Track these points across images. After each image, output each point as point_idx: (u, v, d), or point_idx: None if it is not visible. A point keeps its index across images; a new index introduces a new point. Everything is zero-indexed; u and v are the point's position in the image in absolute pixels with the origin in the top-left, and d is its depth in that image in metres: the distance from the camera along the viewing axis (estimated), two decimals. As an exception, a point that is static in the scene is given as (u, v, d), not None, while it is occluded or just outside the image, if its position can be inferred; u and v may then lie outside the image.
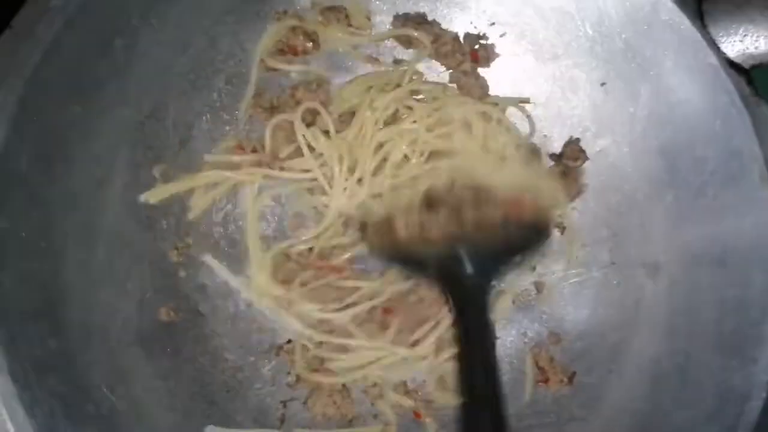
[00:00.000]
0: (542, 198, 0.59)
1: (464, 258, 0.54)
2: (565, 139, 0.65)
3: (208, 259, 0.61)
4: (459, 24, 0.64)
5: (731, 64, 0.57)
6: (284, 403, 0.60)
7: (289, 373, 0.61)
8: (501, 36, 0.65)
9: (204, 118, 0.62)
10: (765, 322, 0.54)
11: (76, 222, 0.55)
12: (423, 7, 0.64)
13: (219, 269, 0.61)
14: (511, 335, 0.64)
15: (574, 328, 0.63)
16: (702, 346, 0.57)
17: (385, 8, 0.64)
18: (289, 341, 0.61)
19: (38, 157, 0.52)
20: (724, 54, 0.58)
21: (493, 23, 0.64)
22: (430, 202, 0.58)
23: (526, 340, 0.64)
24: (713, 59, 0.57)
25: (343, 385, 0.61)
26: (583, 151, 0.64)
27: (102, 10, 0.54)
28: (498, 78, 0.65)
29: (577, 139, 0.64)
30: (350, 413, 0.61)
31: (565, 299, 0.64)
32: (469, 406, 0.49)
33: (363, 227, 0.60)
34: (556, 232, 0.64)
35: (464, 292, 0.54)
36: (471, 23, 0.64)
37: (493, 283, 0.56)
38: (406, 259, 0.57)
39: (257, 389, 0.60)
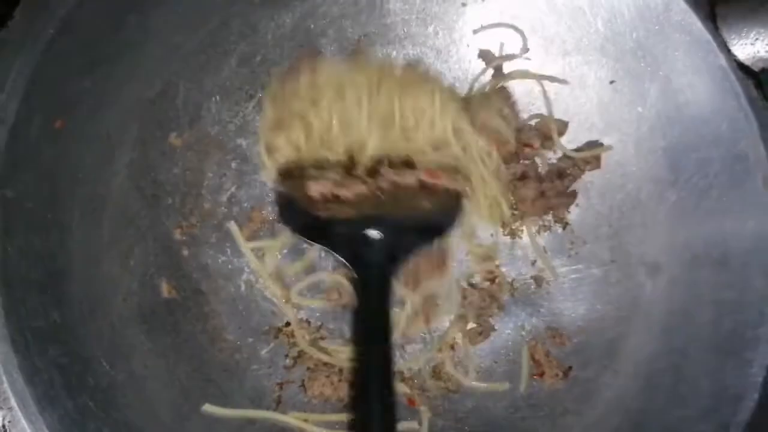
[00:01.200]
0: (458, 180, 0.58)
1: (372, 226, 0.54)
2: (572, 135, 0.65)
3: (232, 226, 0.61)
4: (470, 18, 0.65)
5: (741, 67, 0.57)
6: (281, 385, 0.61)
7: (287, 355, 0.61)
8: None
9: (214, 99, 0.63)
10: (762, 324, 0.55)
11: (83, 196, 0.55)
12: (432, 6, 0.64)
13: (239, 238, 0.61)
14: (508, 328, 0.64)
15: (571, 323, 0.63)
16: (698, 346, 0.57)
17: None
18: (288, 324, 0.62)
19: (48, 130, 0.52)
20: (735, 56, 0.58)
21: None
22: (349, 164, 0.57)
23: (523, 333, 0.64)
24: (723, 61, 0.58)
25: (339, 369, 0.61)
26: (598, 159, 0.64)
27: (117, -16, 0.54)
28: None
29: (600, 145, 0.64)
30: (345, 397, 0.61)
31: (564, 294, 0.64)
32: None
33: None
34: (557, 228, 0.65)
35: (368, 264, 0.54)
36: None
37: (398, 256, 0.56)
38: (314, 222, 0.56)
39: (254, 370, 0.61)
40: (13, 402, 0.47)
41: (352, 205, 0.55)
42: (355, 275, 0.54)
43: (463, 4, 0.64)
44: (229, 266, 0.62)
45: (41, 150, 0.52)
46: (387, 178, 0.56)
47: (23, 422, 0.47)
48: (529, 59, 0.65)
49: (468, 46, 0.65)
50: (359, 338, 0.51)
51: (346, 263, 0.55)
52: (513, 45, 0.65)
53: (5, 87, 0.50)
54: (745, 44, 0.58)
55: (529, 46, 0.65)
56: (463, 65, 0.65)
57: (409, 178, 0.56)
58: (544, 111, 0.65)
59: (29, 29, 0.51)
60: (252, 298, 0.62)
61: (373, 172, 0.57)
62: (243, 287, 0.62)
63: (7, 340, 0.47)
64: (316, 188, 0.56)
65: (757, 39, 0.58)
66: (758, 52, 0.58)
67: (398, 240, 0.55)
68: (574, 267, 0.64)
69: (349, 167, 0.58)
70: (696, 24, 0.58)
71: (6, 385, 0.46)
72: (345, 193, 0.55)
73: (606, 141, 0.64)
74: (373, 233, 0.55)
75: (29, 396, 0.47)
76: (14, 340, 0.47)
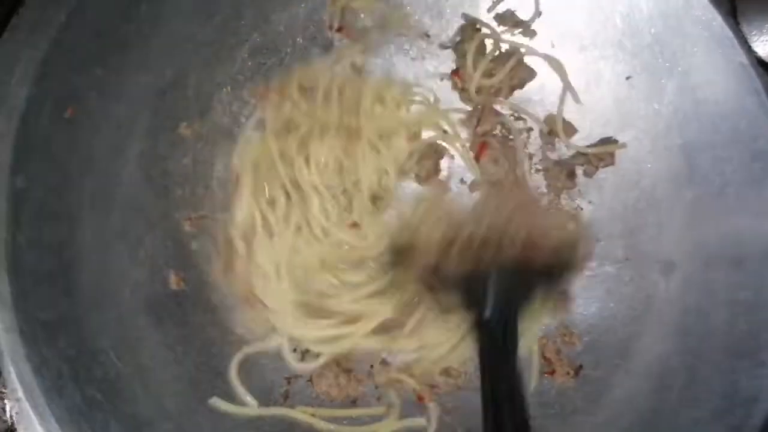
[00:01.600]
0: (562, 239, 0.58)
1: (488, 295, 0.54)
2: (587, 131, 0.64)
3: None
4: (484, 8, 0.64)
5: (761, 64, 0.57)
6: (288, 380, 0.60)
7: (295, 349, 0.61)
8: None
9: (225, 89, 0.62)
10: None
11: (93, 186, 0.55)
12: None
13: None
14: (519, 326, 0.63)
15: (583, 321, 0.63)
16: (712, 347, 0.57)
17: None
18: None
19: (59, 119, 0.52)
20: (756, 53, 0.57)
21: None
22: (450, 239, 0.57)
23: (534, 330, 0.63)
24: (743, 58, 0.57)
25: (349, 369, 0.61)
26: (612, 155, 0.63)
27: (129, -27, 0.54)
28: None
29: (615, 141, 0.63)
30: (354, 394, 0.61)
31: (576, 292, 0.63)
32: None
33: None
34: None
35: (484, 332, 0.53)
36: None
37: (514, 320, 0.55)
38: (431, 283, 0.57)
39: (263, 364, 0.60)
40: (20, 393, 0.46)
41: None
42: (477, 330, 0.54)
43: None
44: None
45: (52, 139, 0.52)
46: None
47: (31, 414, 0.47)
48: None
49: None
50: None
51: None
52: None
53: (15, 74, 0.50)
54: (766, 40, 0.57)
55: (544, 41, 0.64)
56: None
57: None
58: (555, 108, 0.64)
59: (40, 17, 0.50)
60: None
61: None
62: (252, 280, 0.62)
63: (15, 331, 0.47)
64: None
65: (778, 35, 0.57)
66: None
67: (514, 284, 0.55)
68: (586, 265, 0.63)
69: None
70: (716, 19, 0.57)
71: (14, 376, 0.46)
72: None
73: (621, 137, 0.64)
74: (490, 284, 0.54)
75: (37, 387, 0.47)
76: (22, 331, 0.47)
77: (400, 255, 0.59)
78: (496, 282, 0.54)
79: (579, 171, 0.65)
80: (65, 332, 0.50)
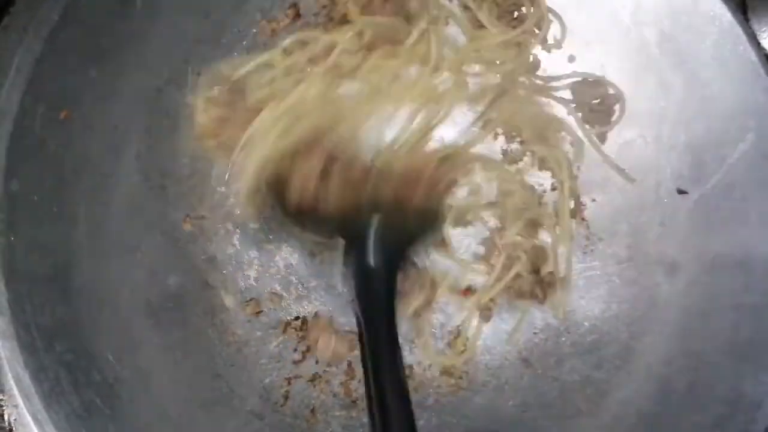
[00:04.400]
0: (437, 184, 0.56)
1: (369, 237, 0.51)
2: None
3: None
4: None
5: None
6: (289, 381, 0.60)
7: (295, 349, 0.61)
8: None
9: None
10: None
11: (90, 188, 0.55)
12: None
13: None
14: (520, 326, 0.63)
15: (585, 321, 0.62)
16: (715, 350, 0.56)
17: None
18: (297, 318, 0.61)
19: (53, 120, 0.52)
20: (765, 50, 0.56)
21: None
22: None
23: (535, 330, 0.63)
24: (753, 55, 0.56)
25: (349, 364, 0.61)
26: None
27: (123, -30, 0.53)
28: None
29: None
30: (353, 393, 0.61)
31: (579, 292, 0.63)
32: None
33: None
34: (572, 224, 0.63)
35: (367, 284, 0.51)
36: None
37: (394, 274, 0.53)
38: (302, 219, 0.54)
39: (263, 365, 0.60)
40: (19, 400, 0.47)
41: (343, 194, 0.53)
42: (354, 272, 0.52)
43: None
44: (238, 259, 0.62)
45: (46, 141, 0.51)
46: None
47: (29, 420, 0.47)
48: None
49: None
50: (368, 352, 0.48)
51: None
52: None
53: (8, 76, 0.49)
54: None
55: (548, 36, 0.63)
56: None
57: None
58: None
59: (32, 16, 0.50)
60: (261, 291, 0.62)
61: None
62: (251, 280, 0.62)
63: (12, 337, 0.47)
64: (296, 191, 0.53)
65: (789, 32, 0.56)
66: None
67: (397, 227, 0.52)
68: (589, 264, 0.63)
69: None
70: (725, 15, 0.56)
71: (12, 382, 0.46)
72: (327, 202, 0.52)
73: (625, 135, 0.62)
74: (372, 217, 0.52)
75: (35, 393, 0.47)
76: (20, 337, 0.47)
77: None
78: (381, 223, 0.51)
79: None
80: (63, 337, 0.50)
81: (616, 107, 0.62)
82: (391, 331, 0.48)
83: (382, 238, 0.51)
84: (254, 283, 0.62)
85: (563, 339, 0.62)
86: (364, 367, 0.47)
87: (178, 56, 0.59)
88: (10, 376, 0.46)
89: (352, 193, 0.53)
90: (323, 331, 0.60)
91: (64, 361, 0.49)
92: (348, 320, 0.61)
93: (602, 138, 0.63)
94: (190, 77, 0.60)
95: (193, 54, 0.60)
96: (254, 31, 0.61)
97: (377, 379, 0.46)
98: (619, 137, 0.62)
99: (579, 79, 0.62)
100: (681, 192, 0.60)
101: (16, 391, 0.46)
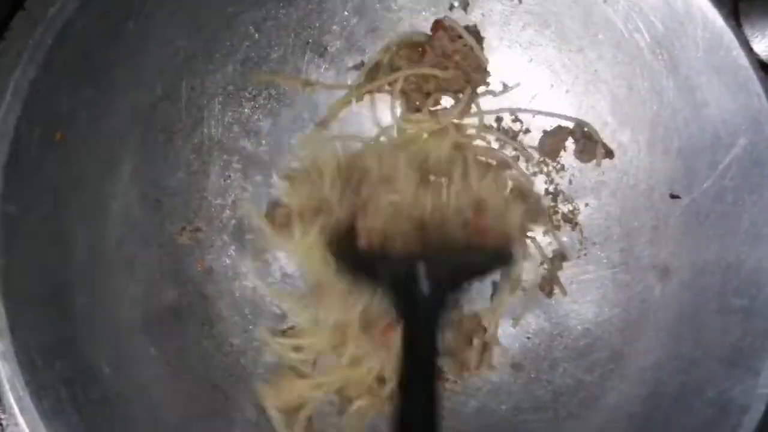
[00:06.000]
0: (507, 225, 0.59)
1: (421, 276, 0.54)
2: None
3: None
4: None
5: (763, 67, 0.56)
6: (285, 387, 0.62)
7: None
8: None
9: (217, 100, 0.62)
10: None
11: (86, 205, 0.56)
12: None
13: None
14: (512, 329, 0.64)
15: (578, 325, 0.63)
16: (705, 355, 0.57)
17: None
18: (292, 327, 0.62)
19: (49, 142, 0.53)
20: (757, 55, 0.56)
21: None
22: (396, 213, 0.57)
23: (529, 335, 0.64)
24: (745, 60, 0.56)
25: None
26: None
27: (115, -9, 0.54)
28: (518, 67, 0.64)
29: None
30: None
31: (572, 296, 0.64)
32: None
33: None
34: (567, 227, 0.64)
35: (416, 312, 0.54)
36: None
37: (447, 305, 0.56)
38: (362, 267, 0.57)
39: (259, 375, 0.62)
40: (20, 419, 0.48)
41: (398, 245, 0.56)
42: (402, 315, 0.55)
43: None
44: (234, 270, 0.63)
45: (42, 163, 0.52)
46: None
47: (23, 426, 0.48)
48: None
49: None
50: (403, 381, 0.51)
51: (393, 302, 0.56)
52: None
53: (4, 101, 0.50)
54: None
55: (540, 42, 0.64)
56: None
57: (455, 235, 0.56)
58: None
59: (27, 41, 0.50)
60: (257, 301, 0.63)
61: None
62: (247, 290, 0.63)
63: (12, 357, 0.48)
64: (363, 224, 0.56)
65: (781, 38, 0.56)
66: None
67: (446, 278, 0.55)
68: (582, 268, 0.64)
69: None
70: (718, 21, 0.56)
71: (12, 401, 0.48)
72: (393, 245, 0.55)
73: (619, 139, 0.63)
74: (421, 269, 0.54)
75: (35, 411, 0.48)
76: (20, 357, 0.48)
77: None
78: (432, 268, 0.54)
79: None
80: (62, 355, 0.52)
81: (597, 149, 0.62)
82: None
83: (434, 279, 0.54)
84: (250, 293, 0.63)
85: (556, 343, 0.64)
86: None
87: (171, 72, 0.60)
88: (10, 395, 0.48)
89: (411, 239, 0.56)
90: None
91: (63, 379, 0.51)
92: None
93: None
94: (184, 92, 0.61)
95: (187, 69, 0.60)
96: (246, 44, 0.62)
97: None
98: (613, 141, 0.63)
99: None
100: (673, 197, 0.61)
101: (17, 410, 0.48)
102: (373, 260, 0.56)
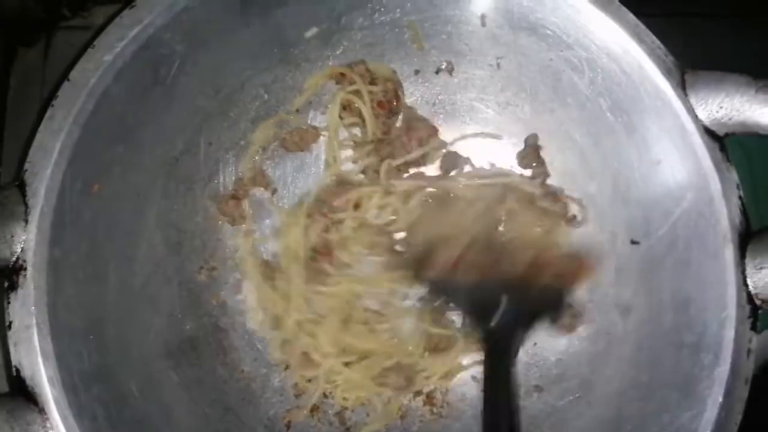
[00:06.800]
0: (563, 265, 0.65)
1: (499, 307, 0.61)
2: (557, 181, 0.71)
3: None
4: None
5: (707, 131, 0.62)
6: (289, 411, 0.68)
7: (296, 384, 0.68)
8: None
9: (230, 153, 0.69)
10: (716, 366, 0.59)
11: (118, 249, 0.62)
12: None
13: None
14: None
15: (552, 355, 0.69)
16: (662, 383, 0.62)
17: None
18: (297, 354, 0.69)
19: (87, 193, 0.59)
20: (702, 121, 0.62)
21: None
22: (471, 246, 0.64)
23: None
24: (691, 125, 0.62)
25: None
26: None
27: (146, 63, 0.61)
28: (497, 124, 0.71)
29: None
30: (347, 422, 0.69)
31: (547, 330, 0.69)
32: None
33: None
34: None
35: (497, 339, 0.60)
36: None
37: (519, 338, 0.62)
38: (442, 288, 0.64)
39: (267, 398, 0.67)
40: (64, 437, 0.54)
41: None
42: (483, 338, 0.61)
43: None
44: (245, 303, 0.69)
45: (82, 212, 0.58)
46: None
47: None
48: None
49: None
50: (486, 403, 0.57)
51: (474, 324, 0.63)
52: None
53: (52, 159, 0.57)
54: (711, 110, 0.62)
55: (517, 102, 0.71)
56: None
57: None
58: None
59: (71, 107, 0.57)
60: (265, 332, 0.69)
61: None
62: (258, 323, 0.69)
63: (59, 382, 0.54)
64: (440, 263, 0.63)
65: (721, 107, 0.62)
66: (722, 118, 0.62)
67: (524, 307, 0.62)
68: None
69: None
70: (668, 90, 0.62)
71: (59, 420, 0.53)
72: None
73: (587, 190, 0.69)
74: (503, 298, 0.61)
75: (78, 430, 0.54)
76: (65, 382, 0.54)
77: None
78: (506, 295, 0.60)
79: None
80: (99, 380, 0.57)
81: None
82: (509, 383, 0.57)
83: (508, 314, 0.61)
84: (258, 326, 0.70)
85: (532, 372, 0.69)
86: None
87: (191, 129, 0.66)
88: (57, 414, 0.54)
89: (485, 273, 0.62)
90: None
91: (100, 401, 0.56)
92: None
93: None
94: (202, 147, 0.67)
95: (205, 126, 0.67)
96: (257, 104, 0.69)
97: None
98: (582, 192, 0.70)
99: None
100: (634, 242, 0.67)
101: (62, 428, 0.54)
102: (458, 287, 0.63)
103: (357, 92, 0.68)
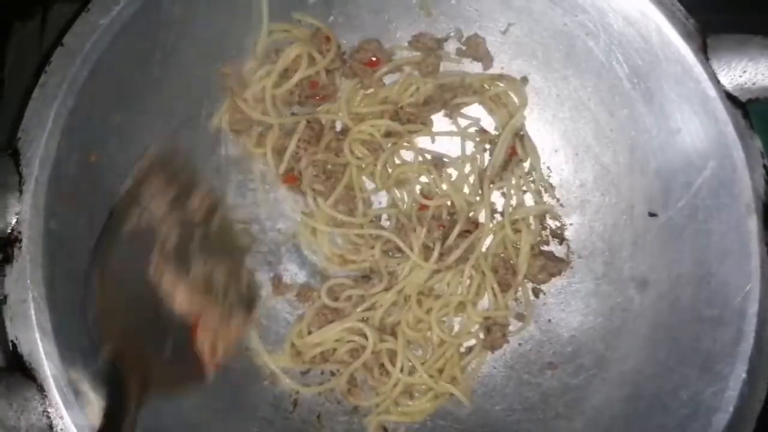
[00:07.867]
0: None
1: None
2: (570, 154, 0.68)
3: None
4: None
5: (729, 97, 0.60)
6: (296, 390, 0.66)
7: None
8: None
9: (232, 123, 0.67)
10: (738, 342, 0.58)
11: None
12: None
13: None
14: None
15: (565, 332, 0.68)
16: (679, 360, 0.61)
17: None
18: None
19: (84, 163, 0.57)
20: (724, 87, 0.60)
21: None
22: None
23: (520, 341, 0.69)
24: (713, 91, 0.60)
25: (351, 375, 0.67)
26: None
27: (145, 26, 0.59)
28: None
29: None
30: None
31: (560, 305, 0.68)
32: None
33: None
34: (555, 242, 0.69)
35: None
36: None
37: None
38: None
39: (272, 376, 0.66)
40: (64, 412, 0.52)
41: None
42: None
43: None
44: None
45: (79, 183, 0.57)
46: None
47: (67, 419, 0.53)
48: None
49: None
50: None
51: None
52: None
53: (47, 128, 0.55)
54: (734, 76, 0.60)
55: (529, 71, 0.69)
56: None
57: None
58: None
59: (66, 74, 0.55)
60: (272, 312, 0.68)
61: None
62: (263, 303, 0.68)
63: (57, 356, 0.53)
64: None
65: (744, 71, 0.60)
66: (745, 83, 0.60)
67: None
68: (570, 279, 0.68)
69: None
70: (688, 55, 0.60)
71: (58, 397, 0.52)
72: None
73: (602, 161, 0.67)
74: None
75: (76, 404, 0.53)
76: (63, 358, 0.53)
77: None
78: None
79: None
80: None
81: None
82: None
83: None
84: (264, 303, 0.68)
85: (545, 349, 0.68)
86: None
87: (190, 100, 0.64)
88: (56, 391, 0.52)
89: None
90: None
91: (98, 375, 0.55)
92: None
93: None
94: (202, 118, 0.65)
95: (204, 97, 0.65)
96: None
97: None
98: (597, 162, 0.68)
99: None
100: (651, 214, 0.65)
101: (62, 405, 0.52)
102: None
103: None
